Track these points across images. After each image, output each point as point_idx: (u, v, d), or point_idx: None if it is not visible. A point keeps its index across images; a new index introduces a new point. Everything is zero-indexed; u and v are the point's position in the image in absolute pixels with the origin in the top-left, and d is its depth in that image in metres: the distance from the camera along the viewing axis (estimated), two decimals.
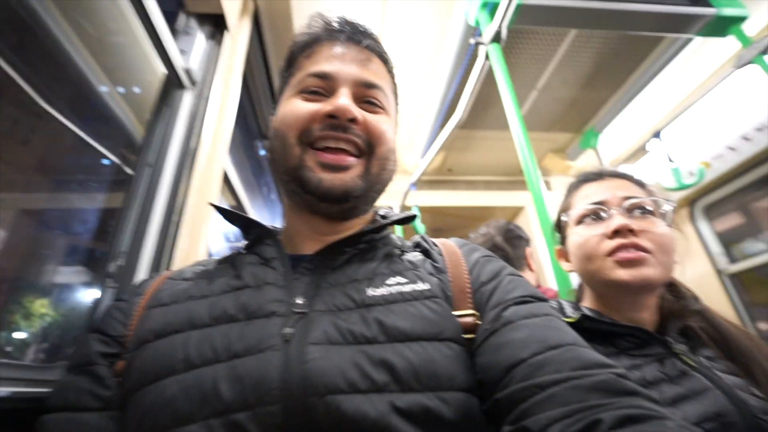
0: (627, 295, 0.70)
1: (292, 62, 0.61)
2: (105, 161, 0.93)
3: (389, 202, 3.10)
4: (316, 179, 0.51)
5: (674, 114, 2.08)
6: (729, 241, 2.54)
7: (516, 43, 2.01)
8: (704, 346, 0.67)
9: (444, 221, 3.65)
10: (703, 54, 2.10)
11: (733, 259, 2.49)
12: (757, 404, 0.56)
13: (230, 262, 0.55)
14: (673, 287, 0.75)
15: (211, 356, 0.41)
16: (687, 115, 2.07)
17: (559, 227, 0.83)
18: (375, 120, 0.55)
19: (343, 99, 0.52)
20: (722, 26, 1.66)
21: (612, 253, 0.67)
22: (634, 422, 0.30)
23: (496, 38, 1.45)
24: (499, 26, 1.41)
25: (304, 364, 0.39)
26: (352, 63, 0.56)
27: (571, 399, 0.33)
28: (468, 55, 1.91)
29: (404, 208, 2.97)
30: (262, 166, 2.27)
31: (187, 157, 0.89)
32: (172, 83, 0.92)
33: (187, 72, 0.93)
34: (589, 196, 0.75)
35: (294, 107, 0.54)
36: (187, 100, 0.94)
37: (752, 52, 1.53)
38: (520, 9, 1.43)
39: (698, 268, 2.55)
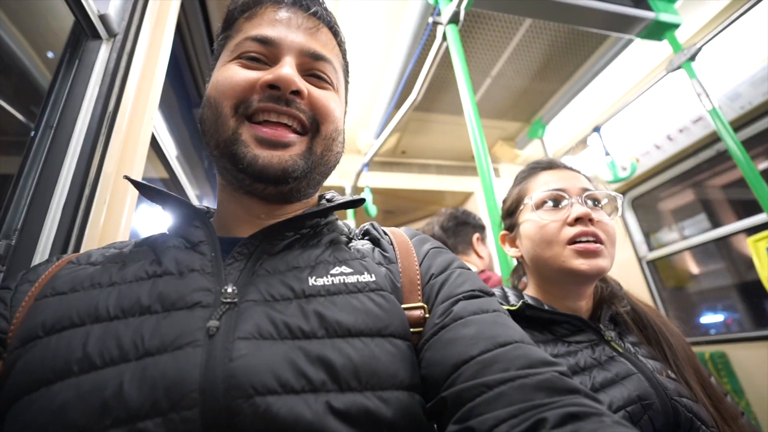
0: (577, 284, 0.72)
1: (230, 23, 0.54)
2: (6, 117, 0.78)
3: (342, 182, 3.04)
4: (250, 155, 0.45)
5: (612, 111, 2.22)
6: (648, 231, 2.82)
7: (473, 28, 2.00)
8: (630, 333, 0.72)
9: (396, 203, 3.67)
10: (641, 56, 2.25)
11: (651, 247, 2.77)
12: (672, 386, 0.62)
13: (150, 245, 0.48)
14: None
15: (117, 355, 0.35)
16: (623, 113, 2.22)
17: (509, 212, 0.84)
18: (322, 95, 0.50)
19: (287, 68, 0.47)
20: (659, 30, 1.77)
21: (572, 241, 0.69)
22: (576, 419, 0.31)
23: (454, 19, 1.42)
24: (458, 6, 1.38)
25: (229, 362, 0.34)
26: (299, 30, 0.51)
27: (517, 398, 0.34)
28: (425, 35, 1.86)
29: (357, 188, 2.92)
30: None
31: (104, 120, 0.76)
32: (83, 32, 0.78)
33: (103, 19, 0.78)
34: (548, 183, 0.76)
35: (230, 74, 0.48)
36: (103, 53, 0.80)
37: (681, 58, 1.66)
38: None
39: (623, 255, 2.81)
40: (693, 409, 0.60)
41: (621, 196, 0.77)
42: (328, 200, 0.56)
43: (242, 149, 0.46)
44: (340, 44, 0.58)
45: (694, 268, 2.66)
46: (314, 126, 0.50)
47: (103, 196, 0.74)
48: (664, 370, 0.66)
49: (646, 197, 2.82)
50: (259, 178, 0.47)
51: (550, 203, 0.74)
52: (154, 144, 1.25)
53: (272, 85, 0.47)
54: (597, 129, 2.36)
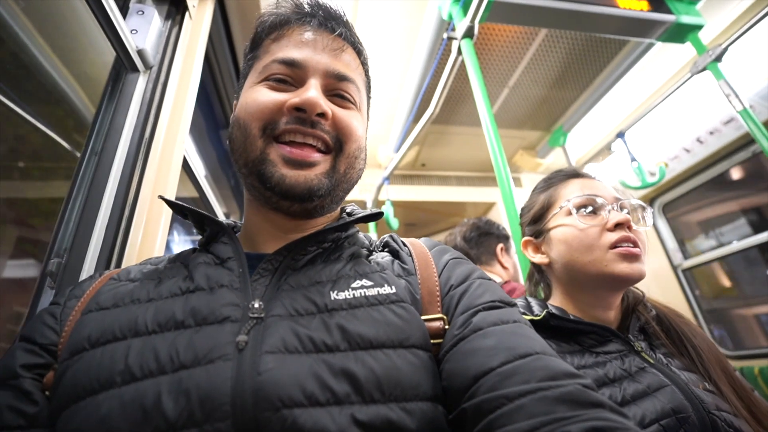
0: (613, 290, 0.71)
1: (257, 44, 0.56)
2: (56, 147, 0.86)
3: (363, 196, 3.08)
4: (278, 175, 0.47)
5: (637, 116, 2.17)
6: (683, 237, 2.70)
7: (489, 41, 2.02)
8: (661, 344, 0.70)
9: (417, 216, 3.67)
10: (664, 59, 2.20)
11: (686, 255, 2.65)
12: (710, 399, 0.59)
13: (182, 261, 0.51)
14: None
15: (155, 367, 0.37)
16: (648, 117, 2.16)
17: (535, 218, 0.83)
18: (345, 116, 0.52)
19: (312, 92, 0.49)
20: (681, 33, 1.74)
21: (614, 246, 0.68)
22: None
23: (469, 33, 1.45)
24: (471, 21, 1.41)
25: (257, 375, 0.36)
26: (324, 52, 0.52)
27: (539, 411, 0.33)
28: (441, 50, 1.90)
29: (378, 202, 2.95)
30: (228, 157, 2.18)
31: (141, 146, 0.82)
32: (123, 65, 0.85)
33: (141, 54, 0.85)
34: (583, 188, 0.76)
35: (258, 96, 0.50)
36: (140, 84, 0.86)
37: (706, 59, 1.61)
38: (492, 5, 1.43)
39: (655, 263, 2.70)
40: (734, 424, 0.57)
41: (650, 207, 0.76)
42: (349, 214, 0.58)
43: (270, 168, 0.48)
44: (364, 63, 0.60)
45: (735, 276, 2.51)
46: (337, 145, 0.51)
47: (140, 216, 0.79)
48: (701, 383, 0.63)
49: (679, 202, 2.71)
50: (286, 196, 0.48)
51: (588, 208, 0.73)
52: (185, 165, 1.32)
53: (299, 108, 0.48)
54: (621, 135, 2.30)
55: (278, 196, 0.49)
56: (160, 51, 0.92)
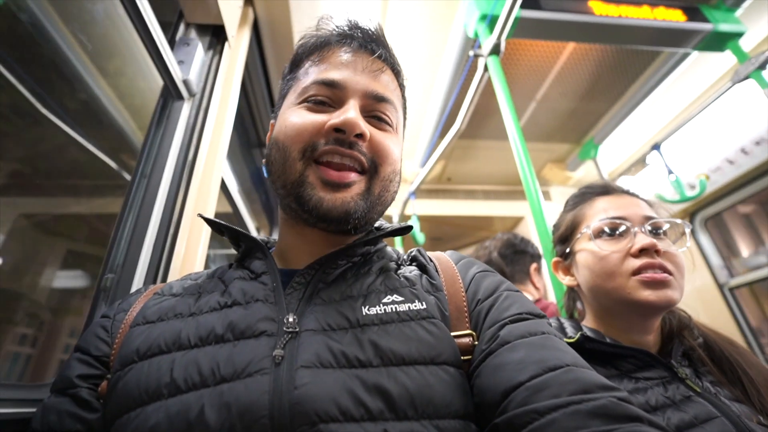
0: (643, 317, 0.68)
1: (297, 65, 0.58)
2: (110, 170, 0.93)
3: (389, 210, 3.09)
4: (316, 198, 0.48)
5: (673, 127, 2.08)
6: (729, 254, 2.54)
7: (515, 55, 2.02)
8: (708, 372, 0.66)
9: (443, 230, 3.64)
10: (701, 68, 2.12)
11: (733, 272, 2.48)
12: None
13: (219, 276, 0.53)
14: None
15: (198, 381, 0.39)
16: (686, 128, 2.08)
17: (562, 239, 0.81)
18: (382, 139, 0.53)
19: (352, 112, 0.49)
20: (719, 41, 1.68)
21: (637, 272, 0.65)
22: None
23: (495, 50, 1.46)
24: (498, 38, 1.42)
25: (294, 389, 0.37)
26: (363, 73, 0.53)
27: (571, 426, 0.32)
28: (467, 67, 1.91)
29: (404, 217, 2.96)
30: (261, 175, 2.27)
31: (185, 168, 0.88)
32: (170, 94, 0.92)
33: (186, 83, 0.92)
34: (607, 210, 0.73)
35: (298, 118, 0.51)
36: (185, 111, 0.93)
37: (749, 68, 1.54)
38: (519, 22, 1.44)
39: (699, 281, 2.54)
40: None
41: (688, 223, 0.72)
42: (377, 228, 0.58)
43: (309, 191, 0.49)
44: (401, 84, 0.61)
45: None
46: (373, 168, 0.52)
47: (184, 233, 0.84)
48: (754, 416, 0.59)
49: (723, 216, 2.56)
50: (324, 219, 0.49)
51: (610, 232, 0.70)
52: (222, 184, 1.39)
53: (338, 129, 0.49)
54: (656, 147, 2.22)
55: (316, 219, 0.50)
56: (203, 79, 0.98)
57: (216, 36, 1.07)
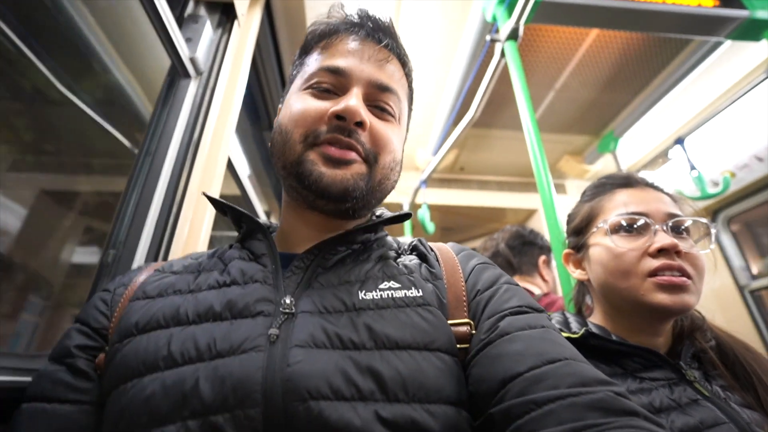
0: (655, 320, 0.65)
1: (306, 51, 0.59)
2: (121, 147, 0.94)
3: (400, 199, 3.08)
4: (317, 173, 0.49)
5: (699, 120, 1.99)
6: (752, 256, 2.44)
7: (534, 41, 1.95)
8: (719, 375, 0.63)
9: (455, 220, 3.61)
10: (733, 58, 2.01)
11: (755, 275, 2.39)
12: None
13: (219, 256, 0.54)
14: None
15: (194, 355, 0.40)
16: (712, 122, 1.98)
17: (576, 231, 0.77)
18: (382, 128, 0.53)
19: (354, 100, 0.50)
20: (755, 29, 1.58)
21: (654, 273, 0.61)
22: None
23: (513, 35, 1.40)
24: (516, 23, 1.36)
25: (287, 367, 0.37)
26: (369, 61, 0.53)
27: (568, 417, 0.32)
28: (483, 52, 1.86)
29: (414, 205, 2.94)
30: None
31: (190, 147, 0.87)
32: (177, 72, 0.91)
33: (193, 61, 0.91)
34: (627, 204, 0.68)
35: (302, 104, 0.52)
36: (191, 89, 0.92)
37: None
38: (539, 6, 1.37)
39: (718, 282, 2.46)
40: None
41: (714, 224, 0.68)
42: (378, 216, 0.59)
43: (309, 167, 0.49)
44: (408, 74, 0.60)
45: None
46: (372, 157, 0.52)
47: (187, 212, 0.84)
48: (767, 424, 0.56)
49: (748, 216, 2.46)
50: (323, 195, 0.49)
51: (628, 228, 0.66)
52: (229, 165, 1.39)
53: (339, 116, 0.49)
54: (680, 141, 2.13)
55: (315, 195, 0.50)
56: (210, 58, 0.97)
57: (225, 14, 1.05)
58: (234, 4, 1.03)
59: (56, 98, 0.82)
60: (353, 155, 0.50)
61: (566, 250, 0.80)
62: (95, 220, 1.04)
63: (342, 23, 0.56)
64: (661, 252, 0.62)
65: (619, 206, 0.69)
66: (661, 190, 0.72)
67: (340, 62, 0.53)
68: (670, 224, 0.64)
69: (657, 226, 0.64)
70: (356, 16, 0.57)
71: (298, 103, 0.52)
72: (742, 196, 2.38)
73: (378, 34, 0.55)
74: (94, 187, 1.04)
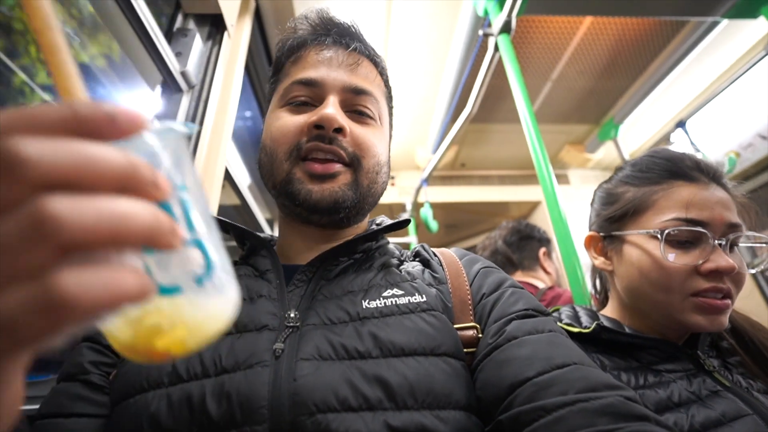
0: (682, 332, 0.62)
1: (278, 68, 0.59)
2: None
3: (402, 198, 3.06)
4: (305, 191, 0.49)
5: (700, 102, 1.97)
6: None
7: (527, 33, 1.93)
8: (739, 362, 0.61)
9: (458, 217, 3.59)
10: (731, 37, 1.98)
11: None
12: None
13: None
14: None
15: (200, 371, 0.39)
16: (714, 103, 1.95)
17: (615, 218, 0.66)
18: (362, 133, 0.53)
19: (330, 108, 0.50)
20: (752, 6, 1.55)
21: (697, 293, 0.56)
22: None
23: (506, 28, 1.39)
24: (508, 16, 1.35)
25: (293, 381, 0.37)
26: (340, 68, 0.54)
27: (579, 423, 0.32)
28: (477, 47, 1.84)
29: (417, 204, 2.93)
30: None
31: None
32: (169, 87, 0.90)
33: (184, 75, 0.90)
34: (688, 206, 0.58)
35: (282, 122, 0.52)
36: (184, 103, 0.92)
37: None
38: None
39: None
40: None
41: None
42: (377, 225, 0.59)
43: (297, 186, 0.49)
44: (382, 73, 0.60)
45: None
46: (356, 161, 0.52)
47: None
48: None
49: (754, 196, 2.42)
50: (314, 210, 0.50)
51: (684, 241, 0.58)
52: (227, 175, 1.38)
53: (317, 125, 0.50)
54: (681, 124, 2.11)
55: (307, 211, 0.50)
56: (202, 70, 0.97)
57: (215, 26, 1.05)
58: (223, 16, 1.03)
59: None
60: (337, 167, 0.50)
61: (591, 233, 0.71)
62: None
63: (309, 35, 0.57)
64: (713, 273, 0.56)
65: (677, 207, 0.59)
66: (727, 188, 0.62)
67: (311, 73, 0.53)
68: (730, 239, 0.57)
69: (716, 242, 0.56)
70: (319, 23, 0.57)
71: (277, 121, 0.53)
72: (747, 176, 2.34)
73: (345, 39, 0.56)
74: None
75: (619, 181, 0.69)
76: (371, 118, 0.55)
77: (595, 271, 0.76)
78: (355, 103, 0.54)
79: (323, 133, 0.50)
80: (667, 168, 0.63)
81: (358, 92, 0.54)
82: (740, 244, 0.60)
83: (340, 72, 0.54)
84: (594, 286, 0.78)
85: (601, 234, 0.69)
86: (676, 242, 0.58)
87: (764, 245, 0.62)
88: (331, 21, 0.57)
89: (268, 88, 0.61)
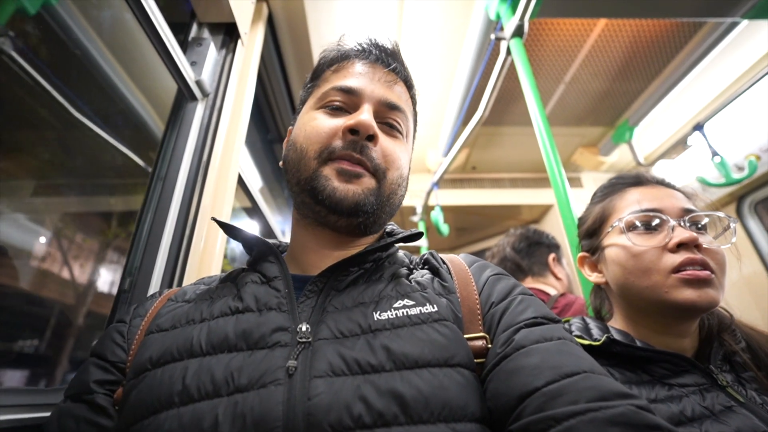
0: (680, 319, 0.62)
1: (318, 75, 0.62)
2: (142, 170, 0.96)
3: (412, 202, 3.06)
4: (330, 188, 0.50)
5: (719, 104, 1.91)
6: None
7: (540, 36, 1.91)
8: (753, 377, 0.60)
9: (469, 220, 3.57)
10: (751, 37, 1.92)
11: None
12: None
13: (232, 280, 0.54)
14: None
15: (211, 390, 0.39)
16: (733, 105, 1.90)
17: (590, 233, 0.76)
18: (390, 145, 0.55)
19: (366, 114, 0.53)
20: None
21: (677, 269, 0.60)
22: None
23: (518, 32, 1.38)
24: (521, 20, 1.34)
25: (308, 400, 0.37)
26: (378, 82, 0.57)
27: None
28: (489, 51, 1.83)
29: (427, 207, 2.92)
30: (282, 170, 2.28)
31: (200, 169, 0.89)
32: (184, 96, 0.92)
33: (199, 84, 0.92)
34: (640, 201, 0.67)
35: (316, 122, 0.54)
36: (199, 112, 0.94)
37: None
38: (543, 0, 1.35)
39: (747, 269, 2.36)
40: None
41: (734, 219, 0.66)
42: (389, 233, 0.60)
43: (323, 182, 0.51)
44: (413, 97, 0.64)
45: None
46: (381, 173, 0.54)
47: (200, 234, 0.85)
48: None
49: None
50: (335, 210, 0.51)
51: (644, 226, 0.65)
52: (240, 180, 1.40)
53: (352, 130, 0.52)
54: (699, 127, 2.05)
55: (327, 210, 0.51)
56: (216, 78, 0.99)
57: (229, 34, 1.07)
58: (236, 24, 1.05)
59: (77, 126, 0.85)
60: (362, 169, 0.52)
61: (581, 254, 0.78)
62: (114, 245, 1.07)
63: (352, 49, 0.60)
64: (681, 247, 0.60)
65: (632, 204, 0.68)
66: (674, 187, 0.71)
67: (351, 82, 0.56)
68: (686, 219, 0.63)
69: (674, 222, 0.62)
70: (365, 44, 0.61)
71: (312, 121, 0.55)
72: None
73: (387, 58, 0.60)
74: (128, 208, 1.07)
75: (589, 204, 0.80)
76: (400, 132, 0.58)
77: (596, 294, 0.79)
78: (386, 116, 0.56)
79: (357, 139, 0.52)
80: (620, 182, 0.74)
81: (392, 107, 0.57)
82: (702, 222, 0.65)
83: (378, 86, 0.57)
84: (595, 308, 0.80)
85: (588, 251, 0.76)
86: (642, 230, 0.65)
87: (722, 216, 0.66)
88: (376, 42, 0.61)
89: (302, 93, 0.63)
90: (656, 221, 0.64)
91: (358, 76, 0.57)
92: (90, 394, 0.44)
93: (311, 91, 0.60)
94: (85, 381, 0.45)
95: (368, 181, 0.52)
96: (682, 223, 0.62)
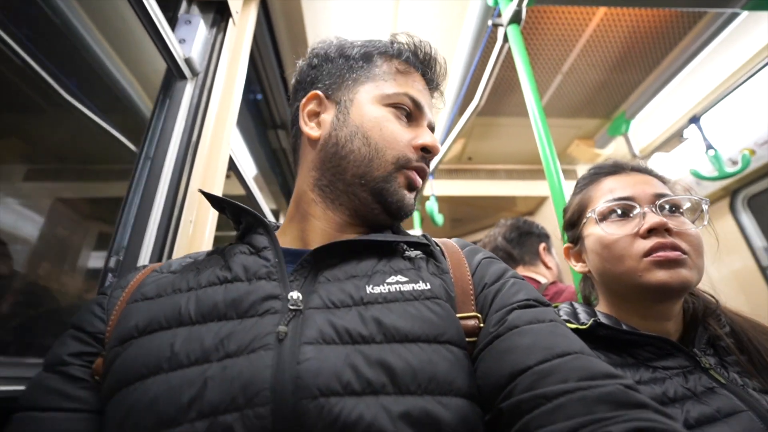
0: (659, 302, 0.63)
1: (369, 58, 0.62)
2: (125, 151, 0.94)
3: None
4: (400, 195, 0.56)
5: (715, 97, 1.91)
6: None
7: (538, 24, 1.89)
8: (735, 360, 0.60)
9: (464, 211, 3.57)
10: (750, 30, 1.91)
11: None
12: None
13: (220, 253, 0.53)
14: None
15: (201, 356, 0.39)
16: (729, 99, 1.90)
17: (571, 224, 0.77)
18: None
19: (433, 137, 0.60)
20: None
21: (648, 253, 0.61)
22: None
23: (516, 19, 1.36)
24: (519, 6, 1.32)
25: (297, 364, 0.37)
26: (429, 105, 0.63)
27: (578, 411, 0.32)
28: (486, 37, 1.81)
29: (422, 197, 2.92)
30: (278, 156, 2.27)
31: (189, 148, 0.87)
32: (172, 74, 0.90)
33: (188, 62, 0.91)
34: (613, 190, 0.68)
35: (394, 127, 0.57)
36: (188, 91, 0.92)
37: None
38: None
39: (738, 263, 2.38)
40: None
41: (706, 200, 0.66)
42: (394, 232, 0.62)
43: (395, 187, 0.56)
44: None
45: None
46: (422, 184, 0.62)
47: (189, 215, 0.84)
48: None
49: None
50: (393, 214, 0.57)
51: (617, 214, 0.66)
52: (232, 165, 1.39)
53: (427, 150, 0.59)
54: (695, 120, 2.06)
55: (384, 209, 0.57)
56: (206, 58, 0.97)
57: (219, 13, 1.04)
58: (228, 3, 1.02)
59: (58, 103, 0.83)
60: (422, 182, 0.60)
61: (566, 245, 0.80)
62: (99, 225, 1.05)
63: (413, 56, 0.63)
64: (652, 232, 0.61)
65: (605, 193, 0.69)
66: (650, 173, 0.72)
67: (420, 97, 0.61)
68: (657, 204, 0.64)
69: (645, 209, 0.64)
70: (423, 55, 0.64)
71: (388, 123, 0.57)
72: (762, 174, 2.29)
73: (437, 81, 0.67)
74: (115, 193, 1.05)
75: (572, 194, 0.81)
76: None
77: (584, 283, 0.82)
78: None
79: (429, 156, 0.60)
80: (598, 171, 0.76)
81: (432, 129, 0.64)
82: (674, 205, 0.66)
83: (429, 108, 0.63)
84: (584, 296, 0.81)
85: (571, 242, 0.78)
86: (616, 218, 0.66)
87: (695, 199, 0.67)
88: (433, 57, 0.65)
89: (342, 64, 0.62)
90: (627, 208, 0.66)
91: (421, 92, 0.62)
92: (64, 365, 0.44)
93: (363, 73, 0.61)
94: (58, 354, 0.45)
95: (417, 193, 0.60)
96: (654, 209, 0.63)
